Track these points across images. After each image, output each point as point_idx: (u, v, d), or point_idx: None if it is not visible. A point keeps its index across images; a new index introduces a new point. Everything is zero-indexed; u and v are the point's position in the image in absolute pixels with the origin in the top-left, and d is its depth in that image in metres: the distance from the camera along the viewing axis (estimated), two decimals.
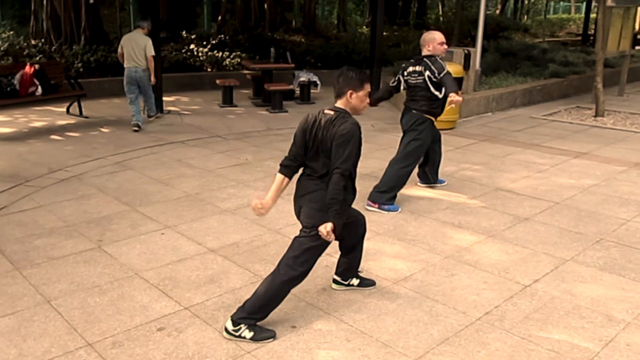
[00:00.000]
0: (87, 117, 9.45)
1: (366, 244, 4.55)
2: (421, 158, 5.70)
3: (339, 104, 3.27)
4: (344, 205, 3.19)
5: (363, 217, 3.71)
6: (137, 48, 8.56)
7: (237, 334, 3.25)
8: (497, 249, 4.56)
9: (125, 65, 8.67)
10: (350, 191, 3.32)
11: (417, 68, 5.32)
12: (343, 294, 3.81)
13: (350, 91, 3.21)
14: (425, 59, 5.28)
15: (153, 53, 8.64)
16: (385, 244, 4.64)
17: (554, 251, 4.51)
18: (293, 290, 3.76)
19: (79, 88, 9.61)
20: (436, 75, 5.17)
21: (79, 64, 11.54)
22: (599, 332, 3.40)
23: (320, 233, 3.13)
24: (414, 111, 5.43)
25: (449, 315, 3.57)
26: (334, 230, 3.10)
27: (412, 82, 5.37)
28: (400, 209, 5.34)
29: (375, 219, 5.14)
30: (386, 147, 7.47)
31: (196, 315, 3.53)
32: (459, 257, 4.40)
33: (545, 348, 3.23)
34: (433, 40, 5.30)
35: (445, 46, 5.38)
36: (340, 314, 3.57)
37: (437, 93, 5.27)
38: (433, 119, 5.49)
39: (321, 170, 3.26)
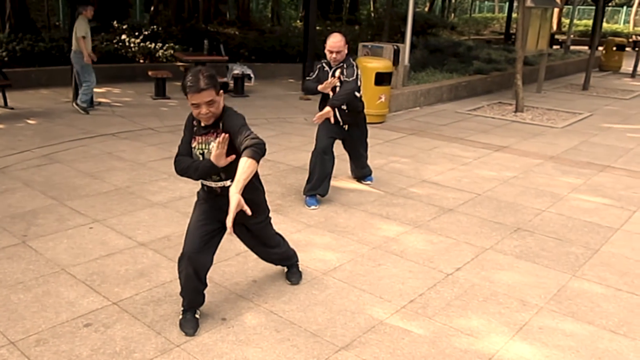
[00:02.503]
0: (12, 108, 9.07)
1: (297, 236, 4.67)
2: (319, 142, 5.43)
3: None
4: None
5: (273, 244, 3.74)
6: (74, 31, 8.83)
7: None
8: (423, 239, 4.75)
9: None
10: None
11: None
12: (273, 285, 3.89)
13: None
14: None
15: (81, 34, 8.72)
16: (315, 235, 4.74)
17: (475, 240, 4.75)
18: (223, 283, 3.82)
19: (4, 78, 9.22)
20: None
21: (4, 53, 11.04)
22: (514, 317, 3.62)
23: None
24: None
25: (375, 304, 3.71)
26: None
27: None
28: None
29: (305, 211, 5.24)
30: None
31: (125, 310, 3.52)
32: (386, 247, 4.56)
33: (465, 333, 3.41)
34: (327, 44, 5.24)
35: (334, 55, 5.17)
36: (271, 305, 3.64)
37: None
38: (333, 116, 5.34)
39: None
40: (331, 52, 5.17)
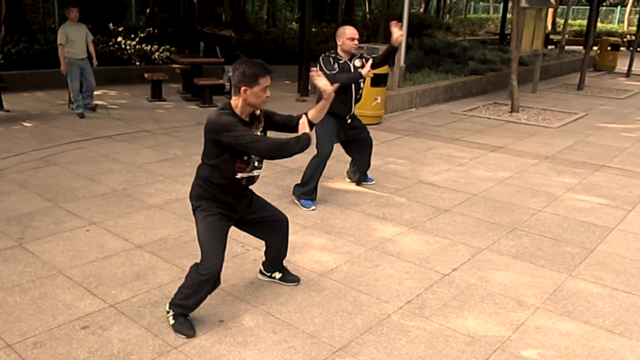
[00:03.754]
0: (8, 111, 9.06)
1: (293, 238, 4.66)
2: (325, 149, 5.46)
3: (233, 100, 3.24)
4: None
5: (286, 218, 3.74)
6: None
7: (167, 316, 3.40)
8: (419, 239, 4.77)
9: None
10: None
11: None
12: (270, 286, 3.89)
13: (244, 88, 3.13)
14: (323, 55, 5.44)
15: (58, 40, 8.57)
16: (312, 236, 4.75)
17: (471, 241, 4.76)
18: (220, 285, 3.81)
19: (0, 80, 9.20)
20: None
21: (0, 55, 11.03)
22: (510, 317, 3.63)
23: None
24: None
25: (372, 304, 3.72)
26: None
27: None
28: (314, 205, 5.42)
29: (302, 212, 5.25)
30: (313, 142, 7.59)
31: (122, 313, 3.52)
32: (382, 248, 4.57)
33: (462, 334, 3.42)
34: (342, 35, 5.35)
35: (356, 42, 5.34)
36: (268, 307, 3.65)
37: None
38: (328, 115, 5.40)
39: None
40: (353, 38, 5.33)
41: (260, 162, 3.35)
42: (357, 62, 5.41)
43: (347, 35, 5.32)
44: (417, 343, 3.31)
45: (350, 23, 21.53)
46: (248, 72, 3.11)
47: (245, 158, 3.24)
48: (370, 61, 5.40)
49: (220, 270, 3.27)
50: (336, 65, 5.34)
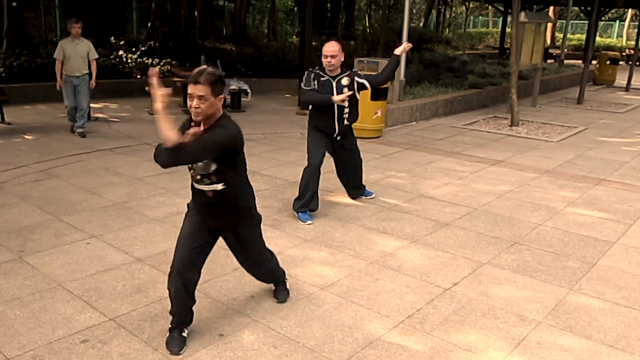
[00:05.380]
0: (9, 124, 9.08)
1: (293, 252, 4.67)
2: (314, 158, 5.43)
3: None
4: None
5: (264, 261, 3.73)
6: None
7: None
8: (420, 253, 4.76)
9: None
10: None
11: None
12: (271, 300, 3.88)
13: None
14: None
15: (54, 55, 8.28)
16: (312, 250, 4.74)
17: (472, 255, 4.76)
18: (221, 298, 3.81)
19: (1, 93, 9.23)
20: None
21: (1, 69, 11.07)
22: (512, 332, 3.62)
23: None
24: None
25: (373, 319, 3.70)
26: None
27: None
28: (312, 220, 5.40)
29: (302, 226, 5.25)
30: None
31: (122, 326, 3.50)
32: (383, 262, 4.56)
33: (463, 349, 3.41)
34: (323, 52, 5.24)
35: (329, 59, 5.15)
36: (268, 320, 3.63)
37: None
38: (313, 128, 5.47)
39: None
40: (326, 56, 5.16)
41: (206, 176, 3.19)
42: (344, 81, 5.25)
43: (323, 52, 5.19)
44: (418, 358, 3.29)
45: (350, 37, 21.72)
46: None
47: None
48: (353, 89, 5.25)
49: (180, 270, 3.25)
50: (315, 82, 5.24)
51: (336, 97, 5.15)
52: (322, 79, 5.26)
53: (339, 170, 5.83)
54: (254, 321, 3.62)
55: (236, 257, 3.65)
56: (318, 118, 5.41)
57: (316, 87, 5.25)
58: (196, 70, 3.09)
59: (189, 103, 3.10)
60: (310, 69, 5.37)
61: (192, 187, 3.34)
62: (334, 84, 5.24)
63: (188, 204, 3.47)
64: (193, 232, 3.33)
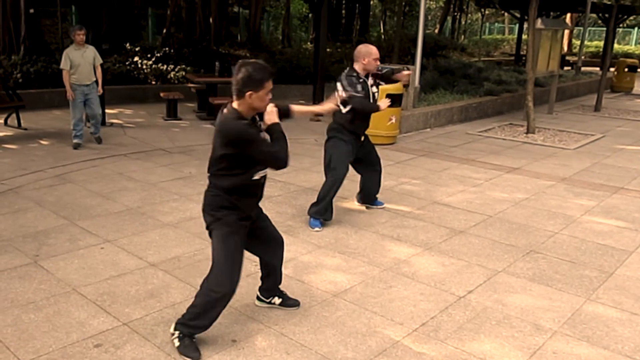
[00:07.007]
0: (25, 129, 9.19)
1: (307, 258, 4.65)
2: (342, 168, 5.42)
3: (237, 104, 3.17)
4: None
5: (282, 238, 3.72)
6: None
7: (172, 337, 3.35)
8: (434, 261, 4.72)
9: None
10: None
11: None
12: (284, 306, 3.86)
13: (249, 92, 3.08)
14: (345, 72, 5.36)
15: (61, 66, 8.00)
16: (326, 257, 4.72)
17: (487, 263, 4.71)
18: (234, 304, 3.80)
19: (18, 99, 9.35)
20: (340, 91, 5.25)
21: (18, 75, 11.22)
22: (527, 341, 3.57)
23: None
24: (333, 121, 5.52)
25: (386, 326, 3.67)
26: None
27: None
28: (321, 226, 5.37)
29: (315, 232, 5.23)
30: None
31: (135, 331, 3.50)
32: (397, 269, 4.53)
33: (478, 357, 3.36)
34: (368, 55, 5.27)
35: (377, 61, 5.34)
36: (281, 327, 3.62)
37: (341, 107, 5.25)
38: (348, 133, 5.40)
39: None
40: (376, 59, 5.33)
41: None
42: (370, 81, 5.41)
43: (374, 55, 5.28)
44: None
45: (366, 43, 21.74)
46: (255, 76, 3.08)
47: None
48: (380, 87, 5.54)
49: (234, 291, 3.25)
50: (360, 87, 5.28)
51: (383, 106, 5.39)
52: (361, 81, 5.32)
53: (365, 168, 5.78)
54: (266, 327, 3.60)
55: (259, 242, 3.60)
56: (360, 121, 5.46)
57: (361, 91, 5.28)
58: (262, 65, 3.16)
59: (267, 98, 3.19)
60: (348, 73, 5.31)
61: (247, 192, 3.32)
62: (369, 86, 5.41)
63: (222, 216, 3.28)
64: (240, 254, 3.34)
